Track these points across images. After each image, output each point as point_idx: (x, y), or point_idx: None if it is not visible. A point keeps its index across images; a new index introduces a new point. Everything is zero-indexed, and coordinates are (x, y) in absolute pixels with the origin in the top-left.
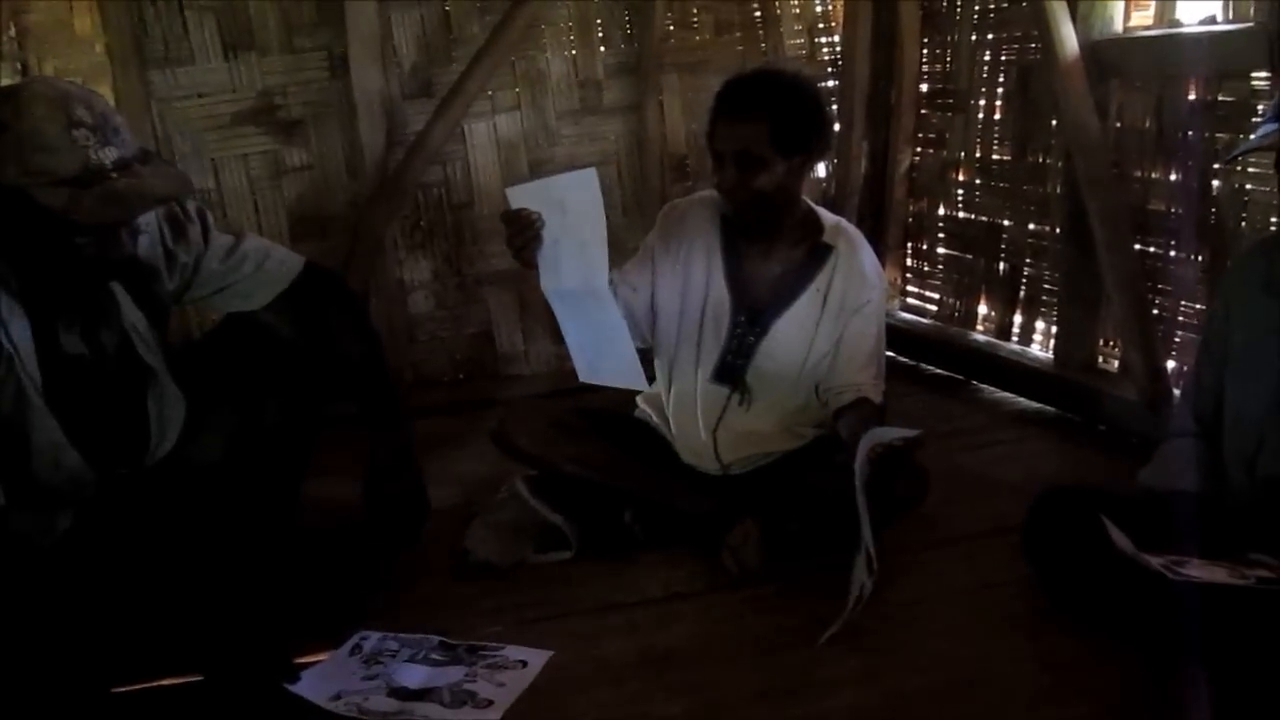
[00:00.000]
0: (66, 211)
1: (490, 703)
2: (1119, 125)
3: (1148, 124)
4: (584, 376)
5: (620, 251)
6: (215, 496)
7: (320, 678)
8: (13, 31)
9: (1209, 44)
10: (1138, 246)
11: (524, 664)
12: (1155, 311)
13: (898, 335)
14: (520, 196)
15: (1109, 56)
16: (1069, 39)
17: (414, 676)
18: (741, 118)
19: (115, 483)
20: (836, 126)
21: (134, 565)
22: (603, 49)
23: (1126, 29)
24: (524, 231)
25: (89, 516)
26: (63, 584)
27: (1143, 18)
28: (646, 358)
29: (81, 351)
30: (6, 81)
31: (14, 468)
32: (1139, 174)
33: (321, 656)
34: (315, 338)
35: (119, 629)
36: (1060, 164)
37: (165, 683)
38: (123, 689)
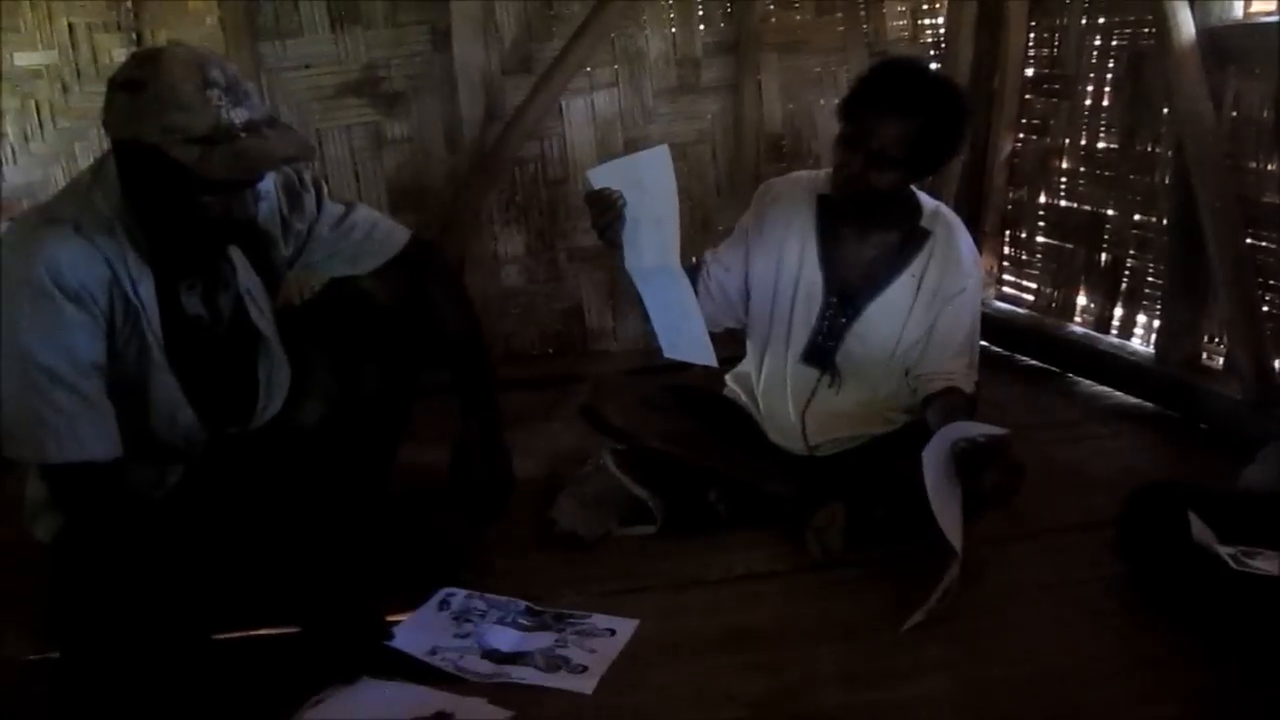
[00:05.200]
0: (197, 167)
1: (585, 669)
2: (1234, 115)
3: (1265, 114)
4: (666, 352)
5: (712, 231)
6: (315, 458)
7: (413, 632)
8: (129, 3)
9: None
10: (1249, 240)
11: (612, 632)
12: (1265, 308)
13: (992, 325)
14: (601, 177)
15: (1227, 43)
16: (1185, 25)
17: (505, 640)
18: (891, 116)
19: (224, 441)
20: None
21: (238, 520)
22: (702, 27)
23: (1247, 15)
24: (607, 211)
25: (197, 472)
26: (170, 535)
27: (1264, 4)
28: (739, 337)
29: (200, 313)
30: (121, 53)
31: (133, 422)
32: (1253, 165)
33: (407, 615)
34: (415, 308)
35: (221, 580)
36: (1170, 153)
37: (263, 633)
38: (223, 636)
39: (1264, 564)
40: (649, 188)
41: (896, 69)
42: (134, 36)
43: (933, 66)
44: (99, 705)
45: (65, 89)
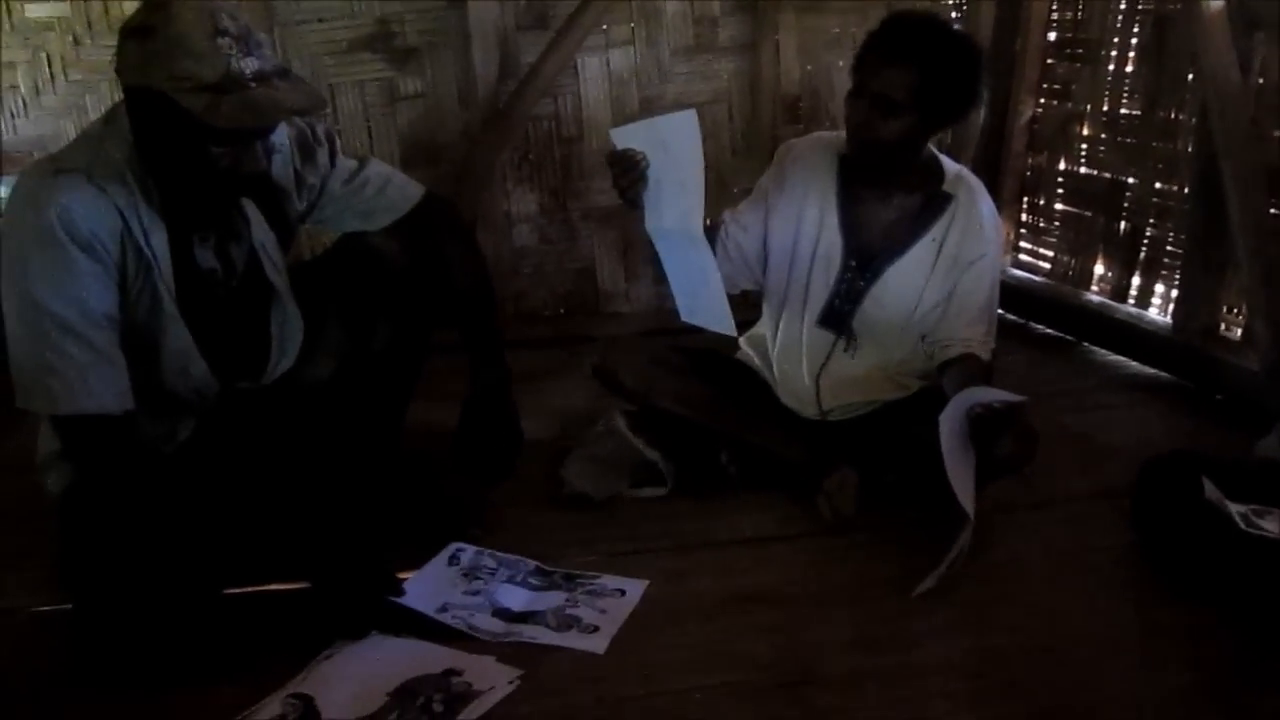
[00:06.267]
0: (205, 115)
1: (596, 629)
2: (1261, 81)
3: None
4: (684, 316)
5: (726, 193)
6: (326, 413)
7: (423, 587)
8: None
9: None
10: (1272, 210)
11: (622, 593)
12: None
13: (1008, 292)
14: (625, 137)
15: (1256, 7)
16: None
17: (516, 599)
18: (892, 60)
19: (235, 395)
20: None
21: (249, 475)
22: None
23: None
24: (630, 172)
25: (209, 426)
26: (181, 489)
27: None
28: (755, 301)
29: (214, 266)
30: (132, 5)
31: (145, 374)
32: (1279, 133)
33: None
34: (428, 265)
35: (232, 535)
36: (1194, 120)
37: (274, 588)
38: (233, 591)
39: (1273, 525)
40: (674, 151)
41: (903, 16)
42: None
43: (953, 22)
44: (110, 657)
45: (76, 41)
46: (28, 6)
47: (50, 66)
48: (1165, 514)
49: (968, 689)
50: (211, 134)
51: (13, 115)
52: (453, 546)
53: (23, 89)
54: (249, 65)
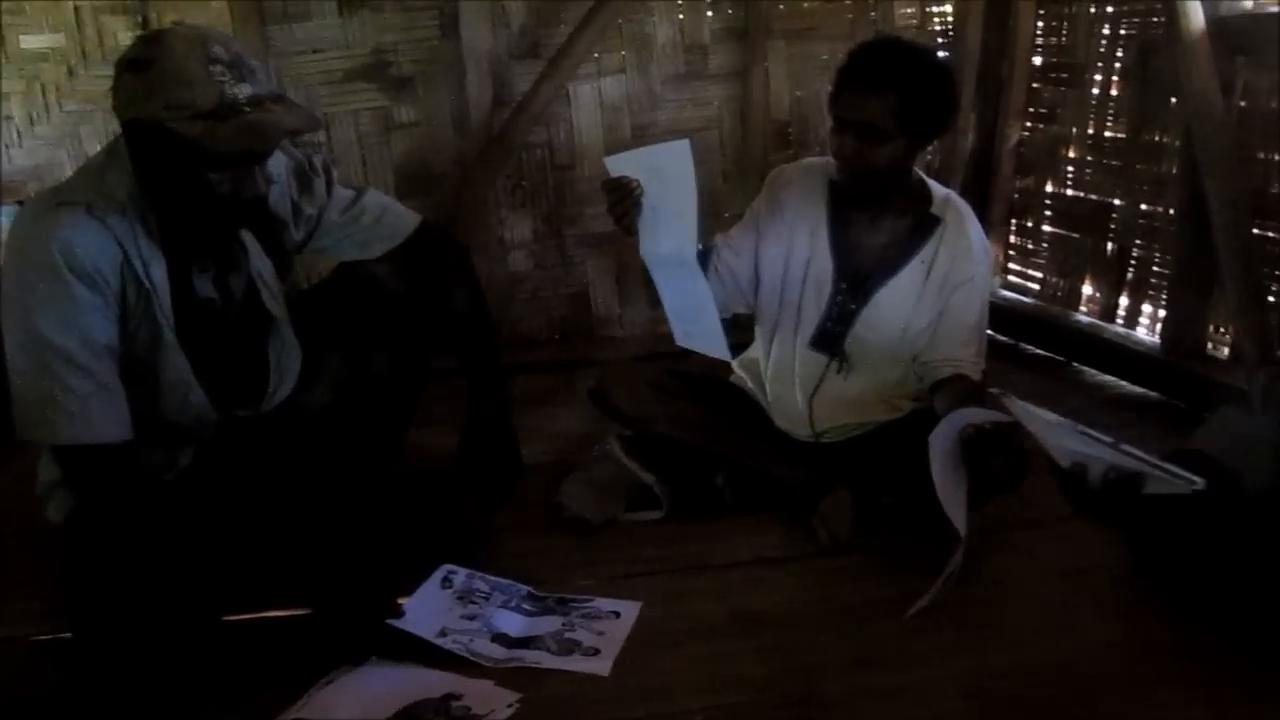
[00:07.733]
0: (202, 141)
1: (597, 651)
2: (1243, 105)
3: (1274, 104)
4: (679, 341)
5: (718, 218)
6: (325, 441)
7: (420, 611)
8: None
9: None
10: (1256, 231)
11: (617, 614)
12: (1271, 299)
13: (997, 313)
14: (619, 165)
15: (1237, 32)
16: (1195, 13)
17: (513, 624)
18: (869, 89)
19: (234, 423)
20: None
21: (248, 502)
22: (710, 13)
23: (1257, 4)
24: (624, 199)
25: (209, 454)
26: (181, 517)
27: None
28: (747, 324)
29: (212, 296)
30: (127, 35)
31: (145, 404)
32: (1262, 156)
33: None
34: (425, 292)
35: (232, 561)
36: (1178, 143)
37: (273, 614)
38: (233, 617)
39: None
40: (668, 179)
41: (869, 46)
42: (140, 19)
43: (915, 40)
44: (110, 685)
45: (71, 72)
46: (22, 37)
47: (45, 96)
48: (1155, 534)
49: (966, 708)
50: (210, 160)
51: (7, 145)
52: (444, 568)
53: (17, 119)
54: (243, 91)
